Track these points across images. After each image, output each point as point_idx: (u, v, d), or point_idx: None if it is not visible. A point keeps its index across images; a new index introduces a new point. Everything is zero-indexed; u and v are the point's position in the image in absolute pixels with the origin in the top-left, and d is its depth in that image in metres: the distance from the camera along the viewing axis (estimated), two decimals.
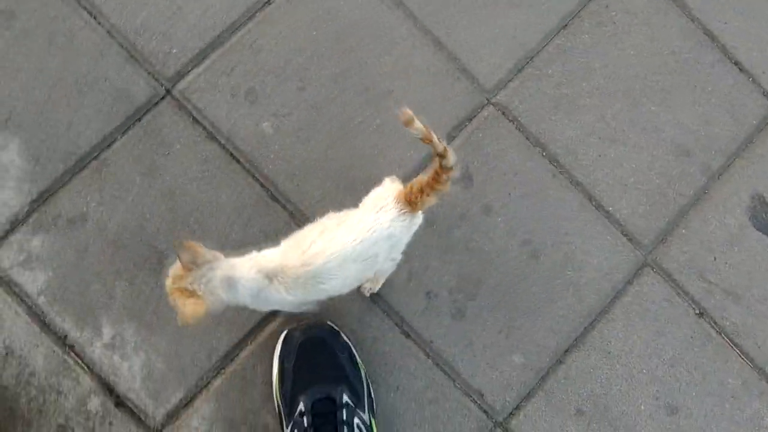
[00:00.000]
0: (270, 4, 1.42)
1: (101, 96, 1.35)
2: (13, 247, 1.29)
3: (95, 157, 1.33)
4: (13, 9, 1.37)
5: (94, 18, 1.38)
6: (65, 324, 1.28)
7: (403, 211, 1.03)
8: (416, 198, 1.01)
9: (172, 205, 1.33)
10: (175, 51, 1.38)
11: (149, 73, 1.37)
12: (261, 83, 1.39)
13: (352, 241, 1.01)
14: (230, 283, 0.99)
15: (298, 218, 1.35)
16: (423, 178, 1.00)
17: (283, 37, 1.41)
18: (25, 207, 1.30)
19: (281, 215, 1.35)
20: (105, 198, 1.31)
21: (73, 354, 1.28)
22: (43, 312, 1.28)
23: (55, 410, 1.27)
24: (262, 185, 1.36)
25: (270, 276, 1.01)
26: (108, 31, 1.38)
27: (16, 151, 1.33)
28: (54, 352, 1.28)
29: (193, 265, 0.97)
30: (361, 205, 1.07)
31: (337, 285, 1.05)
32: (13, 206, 1.31)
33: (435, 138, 0.93)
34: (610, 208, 1.44)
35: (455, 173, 0.98)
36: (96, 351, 1.28)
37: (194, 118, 1.37)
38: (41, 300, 1.29)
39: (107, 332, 1.29)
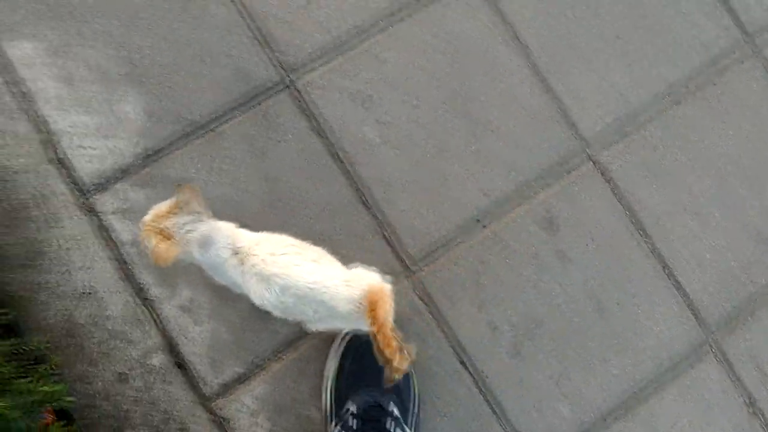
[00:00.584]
0: (402, 21, 1.47)
1: (222, 71, 1.41)
2: (118, 195, 1.35)
3: (212, 129, 1.38)
4: None
5: None
6: (148, 278, 1.34)
7: (360, 310, 1.03)
8: (375, 327, 1.01)
9: (270, 188, 1.38)
10: (305, 46, 1.43)
11: (275, 61, 1.42)
12: (378, 93, 1.43)
13: (308, 280, 1.03)
14: (207, 242, 1.02)
15: (384, 225, 1.39)
16: (385, 334, 1.00)
17: (408, 53, 1.45)
18: (137, 160, 1.37)
19: (367, 220, 1.39)
20: (213, 168, 1.37)
21: (148, 307, 1.34)
22: (131, 262, 1.34)
23: (120, 357, 1.33)
24: (356, 188, 1.40)
25: (236, 251, 1.04)
26: (240, 10, 1.44)
27: (133, 105, 1.39)
28: (132, 301, 1.34)
29: (184, 209, 1.00)
30: (347, 266, 1.11)
31: (274, 302, 1.07)
32: (126, 156, 1.37)
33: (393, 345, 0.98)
34: (682, 280, 1.46)
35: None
36: (171, 310, 1.34)
37: (310, 113, 1.41)
38: (132, 250, 1.35)
39: (185, 294, 1.34)
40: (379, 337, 1.00)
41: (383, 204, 1.40)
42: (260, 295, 1.05)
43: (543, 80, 1.49)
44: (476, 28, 1.48)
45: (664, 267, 1.46)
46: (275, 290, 1.04)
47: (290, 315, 1.11)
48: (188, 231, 1.00)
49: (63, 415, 1.28)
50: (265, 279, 1.03)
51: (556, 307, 1.41)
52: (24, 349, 1.26)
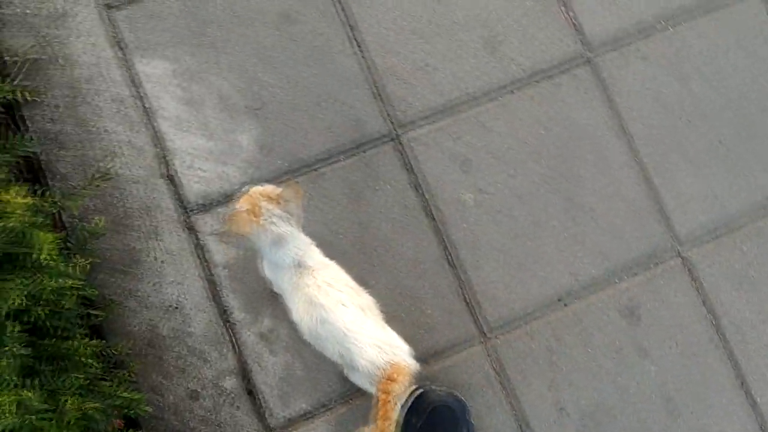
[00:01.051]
0: (513, 93, 1.51)
1: (335, 116, 1.47)
2: (218, 218, 1.41)
3: (315, 169, 1.44)
4: (290, 14, 1.51)
5: (358, 47, 1.50)
6: (233, 302, 1.38)
7: (378, 375, 1.10)
8: (383, 397, 1.09)
9: (361, 235, 1.42)
10: (416, 104, 1.49)
11: (386, 114, 1.48)
12: (479, 158, 1.47)
13: (347, 325, 1.10)
14: (281, 242, 1.09)
15: (466, 287, 1.41)
16: (387, 409, 1.09)
17: (514, 125, 1.50)
18: (243, 188, 1.42)
19: (450, 279, 1.42)
20: (310, 206, 1.42)
21: (229, 330, 1.38)
22: (220, 284, 1.39)
23: (195, 374, 1.36)
24: (445, 247, 1.43)
25: (300, 264, 1.11)
26: (364, 64, 1.50)
27: (249, 136, 1.45)
28: (214, 321, 1.38)
29: (282, 204, 1.08)
30: (384, 327, 1.17)
31: (309, 327, 1.13)
32: (234, 183, 1.43)
33: None
34: (759, 399, 1.43)
35: None
36: (250, 336, 1.37)
37: (410, 167, 1.46)
38: (223, 273, 1.39)
39: (266, 323, 1.38)
40: (382, 410, 1.09)
41: (469, 267, 1.42)
42: (300, 316, 1.12)
43: (645, 173, 1.51)
44: (585, 112, 1.52)
45: (742, 382, 1.43)
46: (315, 318, 1.11)
47: (318, 345, 1.17)
48: (272, 222, 1.08)
49: (131, 422, 1.32)
50: (312, 304, 1.10)
51: (631, 405, 1.40)
52: (107, 353, 1.31)
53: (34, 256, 1.03)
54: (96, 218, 1.37)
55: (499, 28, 1.52)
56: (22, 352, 1.02)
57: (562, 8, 1.54)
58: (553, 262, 1.44)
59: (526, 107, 1.51)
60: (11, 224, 1.00)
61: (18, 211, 1.01)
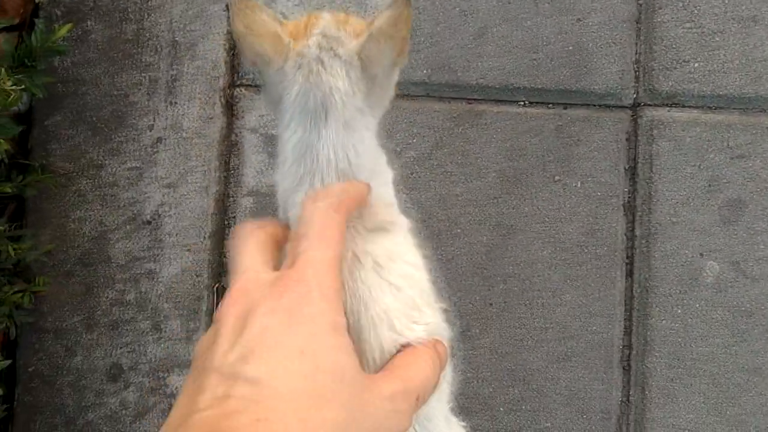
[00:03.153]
0: None
1: (561, 47, 0.88)
2: None
3: (482, 100, 0.85)
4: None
5: None
6: None
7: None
8: None
9: (507, 231, 0.83)
10: (684, 80, 0.88)
11: (635, 75, 0.88)
12: (752, 198, 0.86)
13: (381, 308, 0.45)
14: (323, 112, 0.45)
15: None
16: None
17: None
18: None
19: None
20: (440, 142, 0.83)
21: None
22: None
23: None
24: (627, 329, 0.84)
25: (359, 213, 0.45)
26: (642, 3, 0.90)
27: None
28: None
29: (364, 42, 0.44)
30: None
31: None
32: None
33: None
34: None
35: None
36: None
37: (635, 149, 0.86)
38: None
39: None
40: None
41: (648, 369, 0.83)
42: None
43: None
44: None
45: None
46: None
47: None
48: (321, 60, 0.44)
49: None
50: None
51: None
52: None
53: None
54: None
55: None
56: None
57: None
58: None
59: None
60: None
61: None
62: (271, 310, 0.32)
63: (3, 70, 0.73)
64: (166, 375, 0.83)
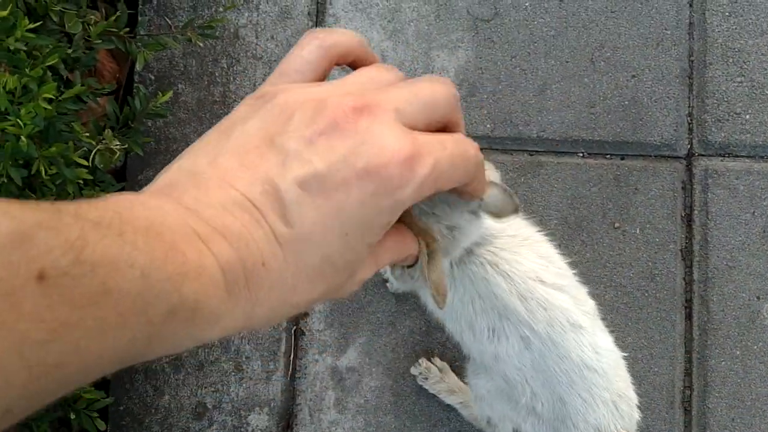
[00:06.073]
0: None
1: (617, 102, 0.93)
2: None
3: (542, 152, 0.90)
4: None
5: (693, 32, 0.96)
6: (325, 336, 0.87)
7: None
8: None
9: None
10: (735, 131, 0.92)
11: (688, 126, 0.93)
12: None
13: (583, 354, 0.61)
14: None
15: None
16: None
17: None
18: None
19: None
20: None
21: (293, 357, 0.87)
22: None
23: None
24: (687, 369, 0.86)
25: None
26: (693, 56, 0.95)
27: (461, 65, 0.94)
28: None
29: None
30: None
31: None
32: None
33: None
34: None
35: None
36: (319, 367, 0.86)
37: (690, 197, 0.90)
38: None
39: (350, 355, 0.86)
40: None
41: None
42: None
43: None
44: None
45: None
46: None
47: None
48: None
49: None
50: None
51: None
52: None
53: None
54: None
55: None
56: None
57: None
58: None
59: None
60: None
61: None
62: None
63: (109, 131, 0.80)
64: (247, 414, 0.88)
